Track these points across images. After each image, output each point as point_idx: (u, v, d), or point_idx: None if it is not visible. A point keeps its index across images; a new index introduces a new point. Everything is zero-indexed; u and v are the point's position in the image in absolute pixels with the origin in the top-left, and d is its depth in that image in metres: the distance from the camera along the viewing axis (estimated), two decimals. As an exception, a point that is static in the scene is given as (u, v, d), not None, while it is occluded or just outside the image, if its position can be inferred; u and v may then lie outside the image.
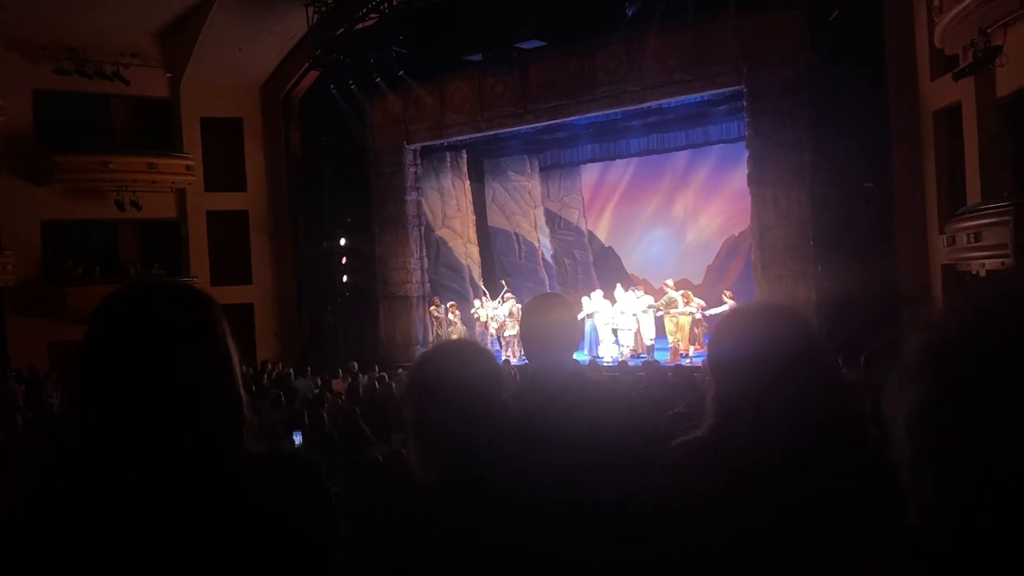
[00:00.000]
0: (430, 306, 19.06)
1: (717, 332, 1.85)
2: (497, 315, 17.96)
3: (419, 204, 19.94)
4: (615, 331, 16.58)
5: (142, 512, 1.27)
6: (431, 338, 18.66)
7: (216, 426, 1.34)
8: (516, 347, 16.88)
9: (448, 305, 18.69)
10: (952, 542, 0.60)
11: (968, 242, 10.83)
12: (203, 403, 1.33)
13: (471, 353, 1.93)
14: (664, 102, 16.86)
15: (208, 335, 1.37)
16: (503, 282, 19.14)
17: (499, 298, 18.30)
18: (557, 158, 21.96)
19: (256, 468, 1.40)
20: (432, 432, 1.83)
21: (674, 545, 1.70)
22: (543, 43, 16.69)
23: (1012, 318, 0.59)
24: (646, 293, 17.04)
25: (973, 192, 11.71)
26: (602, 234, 22.25)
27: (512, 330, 17.20)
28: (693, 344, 15.88)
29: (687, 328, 15.98)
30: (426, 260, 20.08)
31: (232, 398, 1.37)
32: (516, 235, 22.45)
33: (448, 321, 18.39)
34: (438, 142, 19.70)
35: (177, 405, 1.30)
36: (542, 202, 22.51)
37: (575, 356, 2.63)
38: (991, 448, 0.57)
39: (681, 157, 20.23)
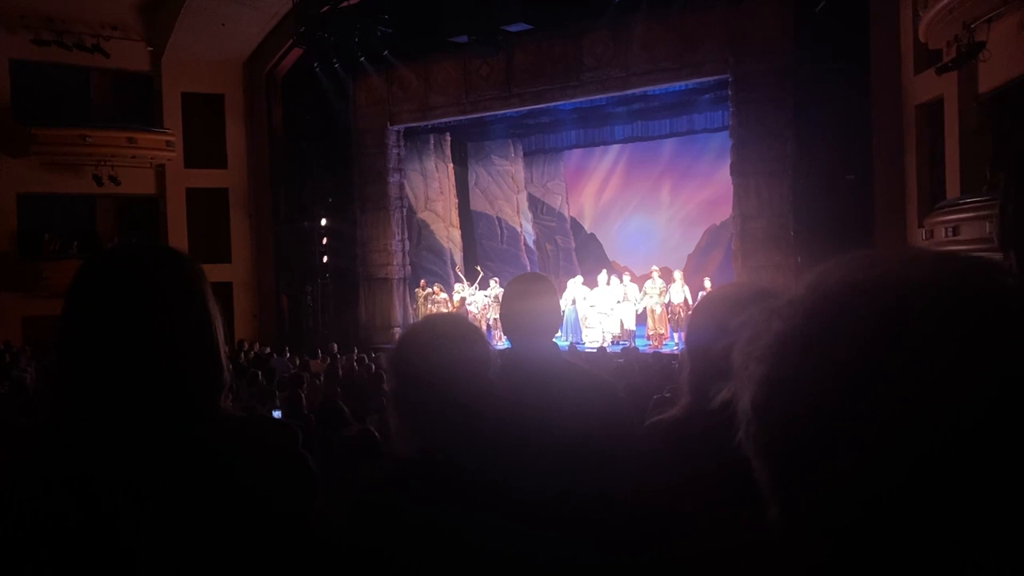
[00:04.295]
0: (416, 288, 18.97)
1: (695, 312, 1.86)
2: (475, 300, 17.90)
3: (401, 186, 19.86)
4: (595, 316, 16.60)
5: (115, 474, 1.27)
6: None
7: (195, 389, 1.34)
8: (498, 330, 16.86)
9: (436, 287, 18.61)
10: (795, 543, 0.59)
11: (946, 236, 10.93)
12: (182, 365, 1.32)
13: (459, 329, 1.90)
14: (649, 89, 16.87)
15: (189, 297, 1.37)
16: (478, 268, 19.13)
17: (475, 284, 18.26)
18: (541, 143, 21.92)
19: (232, 431, 1.39)
20: (410, 406, 1.81)
21: (648, 524, 1.71)
22: (529, 26, 16.61)
23: (850, 308, 0.56)
24: (632, 281, 17.08)
25: (953, 186, 11.81)
26: (585, 220, 22.25)
27: (495, 313, 17.16)
28: (676, 330, 15.90)
29: (666, 314, 16.03)
30: (408, 242, 20.02)
31: (212, 361, 1.37)
32: (498, 220, 22.41)
33: (434, 301, 18.31)
34: (422, 124, 19.60)
35: (157, 366, 1.30)
36: (525, 187, 22.47)
37: (555, 340, 2.62)
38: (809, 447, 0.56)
39: (665, 145, 20.25)
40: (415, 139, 20.49)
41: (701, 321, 1.78)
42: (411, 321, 18.68)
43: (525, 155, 22.35)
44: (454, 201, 21.64)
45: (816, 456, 0.55)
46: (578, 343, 15.58)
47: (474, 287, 18.21)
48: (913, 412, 0.51)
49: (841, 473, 0.53)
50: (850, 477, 0.53)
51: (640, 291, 16.53)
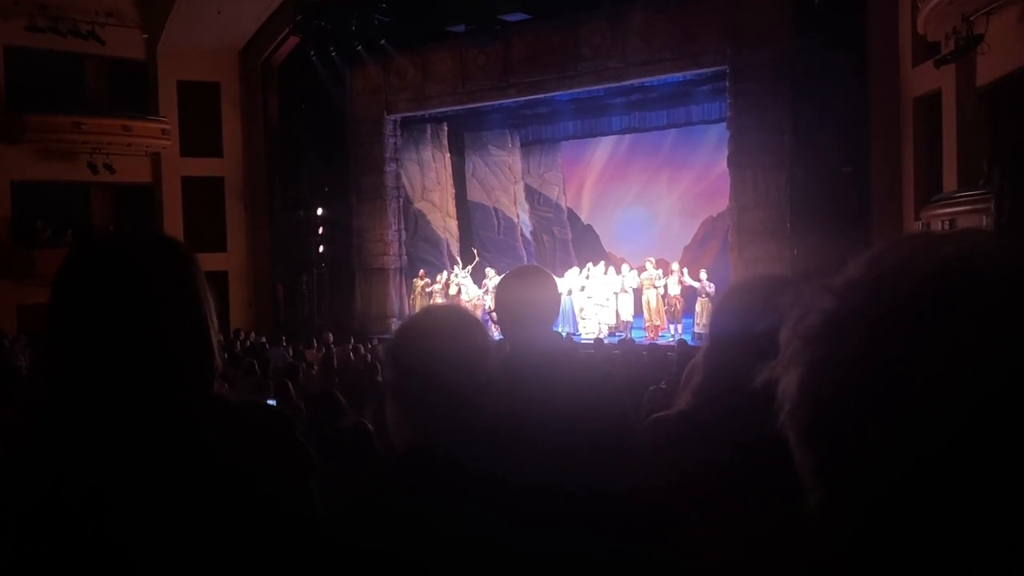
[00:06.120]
0: (414, 278, 18.92)
1: (723, 301, 1.83)
2: (466, 286, 17.82)
3: (398, 176, 19.81)
4: (592, 307, 16.57)
5: (109, 465, 1.26)
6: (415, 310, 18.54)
7: (188, 377, 1.33)
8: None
9: (439, 277, 18.56)
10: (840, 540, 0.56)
11: (943, 229, 10.93)
12: (174, 353, 1.31)
13: (458, 320, 1.87)
14: (647, 80, 16.83)
15: (179, 284, 1.35)
16: (474, 250, 19.12)
17: (468, 268, 18.22)
18: (538, 133, 21.89)
19: (228, 418, 1.38)
20: (408, 398, 1.80)
21: (649, 519, 1.69)
22: (527, 16, 16.54)
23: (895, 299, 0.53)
24: (631, 270, 17.06)
25: (950, 179, 11.80)
26: (582, 211, 22.24)
27: (492, 303, 17.11)
28: (672, 321, 15.88)
29: (663, 305, 16.02)
30: (404, 232, 19.98)
31: (204, 348, 1.35)
32: (495, 210, 22.39)
33: (432, 292, 18.27)
34: (419, 113, 19.55)
35: (148, 354, 1.28)
36: (522, 178, 22.44)
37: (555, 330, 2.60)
38: (858, 439, 0.53)
39: (662, 136, 20.23)
40: (412, 129, 20.43)
41: (727, 310, 1.74)
42: (407, 311, 18.65)
43: (522, 145, 22.31)
44: (451, 191, 21.60)
45: (876, 443, 0.51)
46: (574, 334, 15.57)
47: (467, 271, 18.15)
48: (991, 399, 0.49)
49: (905, 461, 0.51)
50: (915, 466, 0.50)
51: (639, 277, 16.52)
